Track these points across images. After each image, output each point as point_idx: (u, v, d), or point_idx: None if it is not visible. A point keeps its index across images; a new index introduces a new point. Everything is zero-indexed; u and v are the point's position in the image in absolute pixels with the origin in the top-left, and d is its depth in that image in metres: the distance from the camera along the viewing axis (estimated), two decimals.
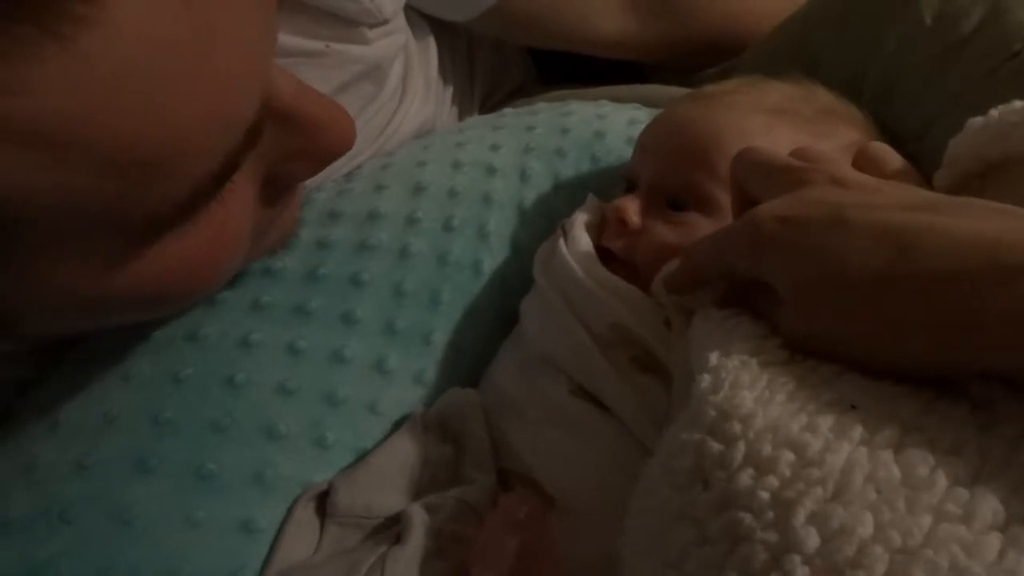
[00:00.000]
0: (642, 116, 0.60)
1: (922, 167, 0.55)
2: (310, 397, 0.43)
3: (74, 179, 0.26)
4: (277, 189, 0.37)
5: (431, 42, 0.62)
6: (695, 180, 0.45)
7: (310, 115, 0.35)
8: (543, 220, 0.54)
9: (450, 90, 0.66)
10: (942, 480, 0.23)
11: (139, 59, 0.25)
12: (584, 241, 0.46)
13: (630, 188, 0.48)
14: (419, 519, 0.38)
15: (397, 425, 0.45)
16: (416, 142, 0.57)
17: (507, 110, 0.62)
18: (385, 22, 0.52)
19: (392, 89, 0.56)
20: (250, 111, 0.30)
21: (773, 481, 0.24)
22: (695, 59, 0.71)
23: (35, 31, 0.23)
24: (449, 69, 0.65)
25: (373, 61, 0.52)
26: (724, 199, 0.44)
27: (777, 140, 0.45)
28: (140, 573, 0.36)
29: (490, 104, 0.74)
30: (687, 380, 0.34)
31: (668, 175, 0.46)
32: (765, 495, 0.24)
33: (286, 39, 0.47)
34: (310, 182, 0.43)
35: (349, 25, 0.49)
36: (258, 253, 0.44)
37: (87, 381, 0.42)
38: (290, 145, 0.35)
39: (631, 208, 0.45)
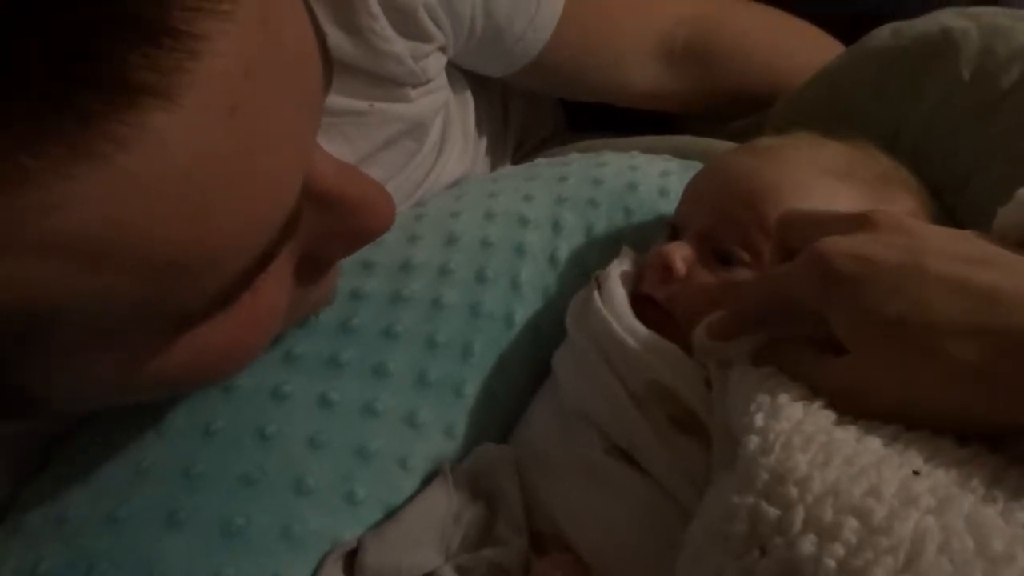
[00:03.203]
0: (674, 167, 0.60)
1: (961, 220, 0.55)
2: (341, 451, 0.43)
3: (112, 284, 0.25)
4: (314, 267, 0.37)
5: (469, 97, 0.63)
6: (748, 235, 0.44)
7: (350, 197, 0.34)
8: (576, 271, 0.53)
9: (484, 143, 0.66)
10: (1021, 555, 0.22)
11: (182, 172, 0.25)
12: (620, 294, 0.45)
13: (673, 237, 0.47)
14: None
15: (427, 480, 0.44)
16: (449, 192, 0.57)
17: (540, 160, 0.62)
18: (429, 82, 0.52)
19: (431, 145, 0.56)
20: (291, 206, 0.30)
21: (839, 549, 0.23)
22: (726, 110, 0.71)
23: (72, 153, 0.22)
24: (485, 121, 0.66)
25: (415, 119, 0.53)
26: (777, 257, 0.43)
27: (836, 203, 0.44)
28: None
29: (522, 152, 0.74)
30: (728, 439, 0.33)
31: (720, 227, 0.45)
32: (831, 563, 0.23)
33: (332, 99, 0.47)
34: None
35: (394, 85, 0.50)
36: (294, 323, 0.43)
37: (120, 433, 0.41)
38: (328, 226, 0.34)
39: (678, 255, 0.44)
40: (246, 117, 0.26)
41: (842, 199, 0.44)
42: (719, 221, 0.45)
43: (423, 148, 0.55)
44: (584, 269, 0.53)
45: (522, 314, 0.51)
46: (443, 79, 0.55)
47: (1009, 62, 0.53)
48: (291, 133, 0.28)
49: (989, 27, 0.55)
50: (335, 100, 0.47)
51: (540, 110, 0.77)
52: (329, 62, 0.31)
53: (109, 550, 0.37)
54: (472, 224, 0.53)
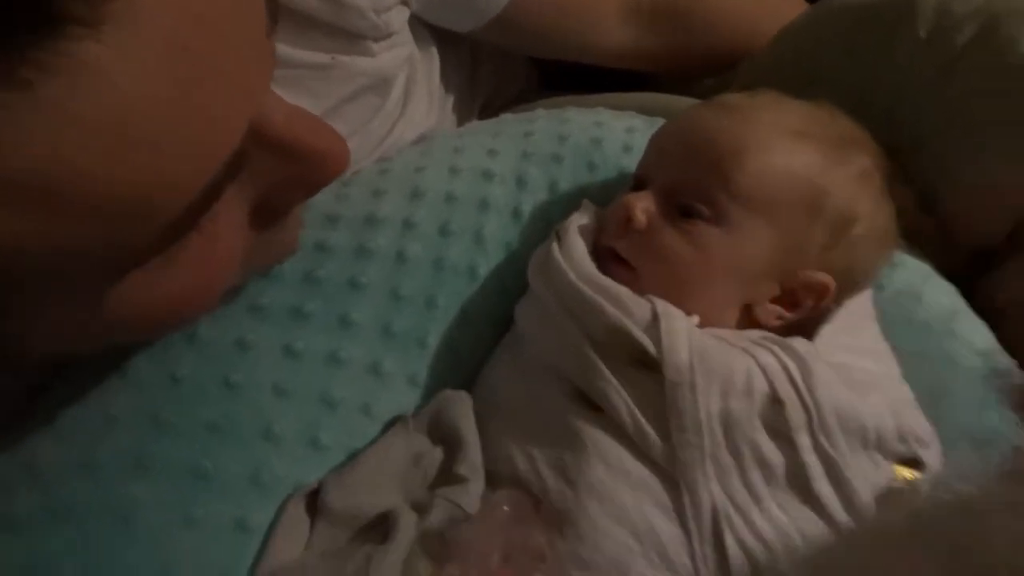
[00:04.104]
0: (639, 124, 0.61)
1: (917, 179, 0.56)
2: (306, 399, 0.44)
3: (54, 223, 0.25)
4: (270, 214, 0.37)
5: (434, 52, 0.63)
6: (711, 191, 0.45)
7: (302, 142, 0.34)
8: (540, 226, 0.54)
9: (450, 99, 0.66)
10: None
11: (118, 107, 0.25)
12: (578, 244, 0.46)
13: (636, 188, 0.48)
14: (406, 519, 0.39)
15: (390, 427, 0.46)
16: (414, 147, 0.58)
17: (506, 116, 0.62)
18: (391, 35, 0.52)
19: (395, 101, 0.56)
20: (234, 147, 0.30)
21: None
22: (695, 70, 0.72)
23: None
24: (451, 78, 0.66)
25: (378, 73, 0.53)
26: (736, 213, 0.44)
27: (795, 159, 0.45)
28: (137, 569, 0.36)
29: (490, 110, 0.74)
30: None
31: (683, 182, 0.46)
32: None
33: (292, 52, 0.47)
34: None
35: (356, 39, 0.50)
36: (259, 270, 0.44)
37: (88, 383, 0.42)
38: (282, 172, 0.34)
39: (639, 206, 0.45)
40: (184, 53, 0.26)
41: (799, 156, 0.45)
42: (683, 176, 0.46)
43: (387, 104, 0.55)
44: (548, 224, 0.54)
45: (486, 268, 0.52)
46: (407, 33, 0.55)
47: (963, 21, 0.54)
48: (232, 72, 0.28)
49: None
50: (297, 53, 0.47)
51: (510, 69, 0.77)
52: (274, 3, 0.31)
53: (80, 495, 0.38)
54: (437, 179, 0.53)
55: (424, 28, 0.61)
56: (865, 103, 0.56)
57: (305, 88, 0.49)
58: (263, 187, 0.35)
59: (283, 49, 0.47)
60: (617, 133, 0.59)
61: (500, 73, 0.75)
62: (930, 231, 0.57)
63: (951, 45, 0.54)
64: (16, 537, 0.37)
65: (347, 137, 0.51)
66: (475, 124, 0.63)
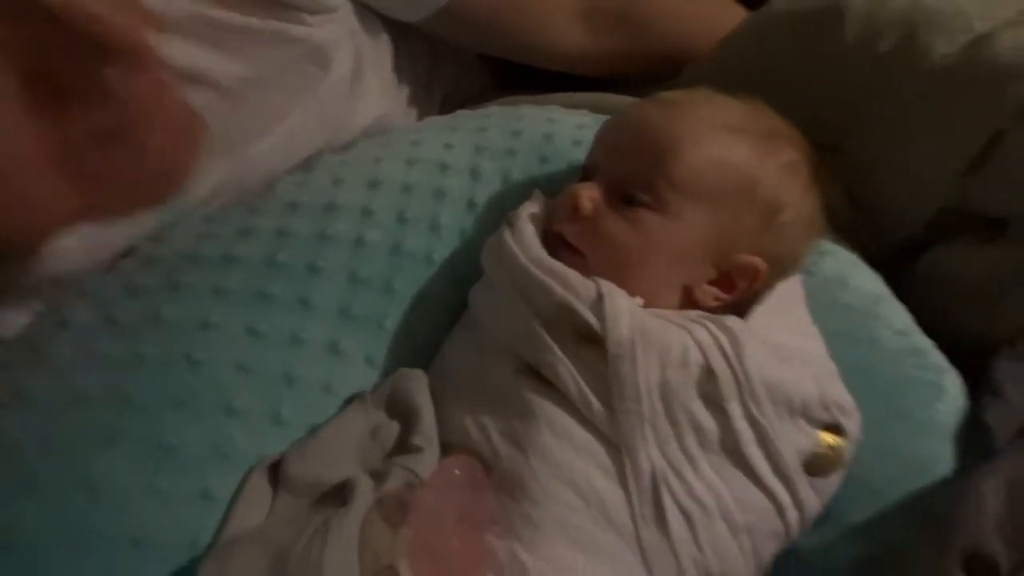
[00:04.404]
0: (589, 121, 0.64)
1: (845, 175, 0.60)
2: (268, 376, 0.46)
3: None
4: (53, 91, 0.36)
5: (386, 40, 0.65)
6: (652, 180, 0.48)
7: (73, 7, 0.34)
8: (493, 215, 0.57)
9: (406, 90, 0.68)
10: None
11: None
12: (528, 230, 0.49)
13: (584, 179, 0.51)
14: (364, 485, 0.41)
15: (349, 404, 0.48)
16: (373, 139, 0.60)
17: (462, 112, 0.65)
18: (329, 12, 0.54)
19: (340, 77, 0.58)
20: None
21: None
22: (640, 74, 0.75)
23: None
24: (407, 70, 0.68)
25: (313, 44, 0.54)
26: (675, 201, 0.48)
27: (728, 152, 0.49)
28: (105, 537, 0.38)
29: (450, 107, 0.76)
30: None
31: (627, 172, 0.49)
32: None
33: (224, 14, 0.49)
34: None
35: (288, 8, 0.52)
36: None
37: (53, 360, 0.44)
38: (52, 40, 0.34)
39: (585, 195, 0.48)
40: None
41: (732, 149, 0.48)
42: (626, 167, 0.49)
43: (329, 76, 0.57)
44: (501, 213, 0.56)
45: (441, 254, 0.54)
46: (347, 12, 0.57)
47: (887, 28, 0.58)
48: None
49: None
50: (227, 15, 0.48)
51: (469, 67, 0.79)
52: None
53: (47, 466, 0.39)
54: (394, 169, 0.56)
55: (375, 16, 0.63)
56: (799, 104, 0.60)
57: (235, 49, 0.51)
58: (31, 57, 0.34)
59: (214, 11, 0.49)
60: (568, 129, 0.62)
61: (460, 70, 0.77)
62: (857, 223, 0.61)
63: (875, 51, 0.58)
64: None
65: (291, 107, 0.53)
66: (432, 119, 0.66)
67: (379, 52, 0.64)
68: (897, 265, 0.61)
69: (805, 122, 0.57)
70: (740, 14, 0.72)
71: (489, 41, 0.69)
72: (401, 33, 0.66)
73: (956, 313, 0.58)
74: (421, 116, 0.70)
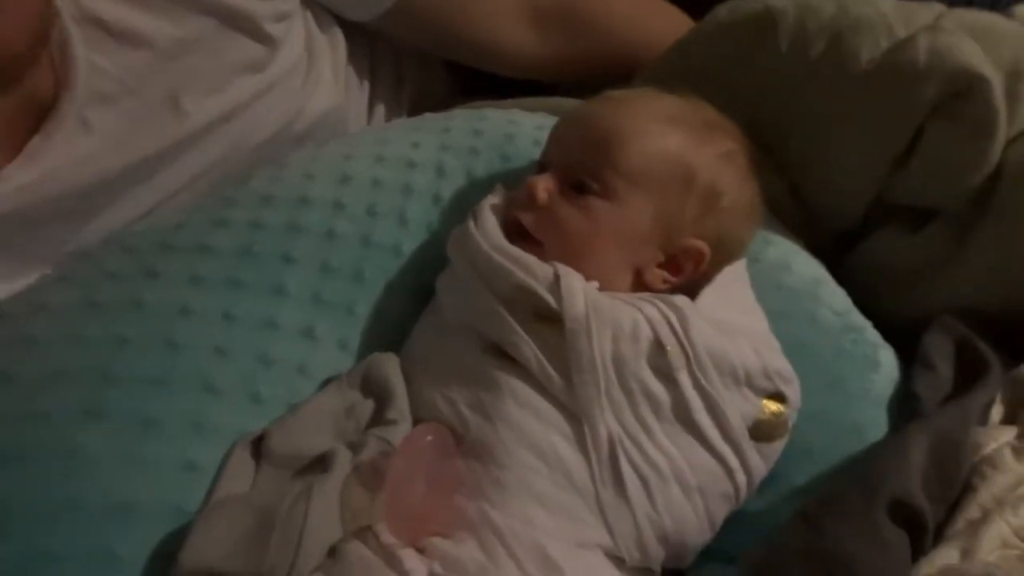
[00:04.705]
0: (548, 123, 0.66)
1: (785, 171, 0.64)
2: (245, 357, 0.49)
3: None
4: None
5: (338, 35, 0.68)
6: (599, 169, 0.52)
7: None
8: (458, 209, 0.60)
9: (367, 87, 0.71)
10: None
11: None
12: (490, 219, 0.52)
13: (540, 172, 0.55)
14: (342, 455, 0.44)
15: (325, 385, 0.51)
16: (343, 139, 0.63)
17: (427, 114, 0.68)
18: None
19: (289, 63, 0.61)
20: None
21: None
22: (591, 79, 0.78)
23: None
24: (366, 67, 0.71)
25: (241, 12, 0.57)
26: (622, 187, 0.51)
27: (667, 142, 0.52)
28: (92, 506, 0.40)
29: (416, 113, 0.79)
30: None
31: (576, 163, 0.53)
32: None
33: None
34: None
35: None
36: None
37: (35, 342, 0.46)
38: None
39: (541, 185, 0.52)
40: None
41: (672, 139, 0.52)
42: (576, 158, 0.53)
43: (275, 59, 0.60)
44: (465, 208, 0.59)
45: (409, 245, 0.57)
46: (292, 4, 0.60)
47: (816, 35, 0.62)
48: None
49: (803, 4, 0.64)
50: None
51: (435, 73, 0.82)
52: None
53: (32, 440, 0.41)
54: (364, 166, 0.59)
55: (327, 13, 0.66)
56: (740, 105, 0.64)
57: (160, 11, 0.53)
58: None
59: None
60: (528, 130, 0.66)
61: (426, 74, 0.80)
62: (798, 216, 0.65)
63: (806, 56, 0.63)
64: None
65: (228, 75, 0.57)
66: (398, 121, 0.69)
67: (330, 47, 0.67)
68: (836, 254, 0.65)
69: (746, 122, 0.60)
70: (687, 23, 0.76)
71: (439, 42, 0.72)
72: (358, 31, 0.68)
73: (891, 295, 0.62)
74: (389, 118, 0.73)
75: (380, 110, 0.73)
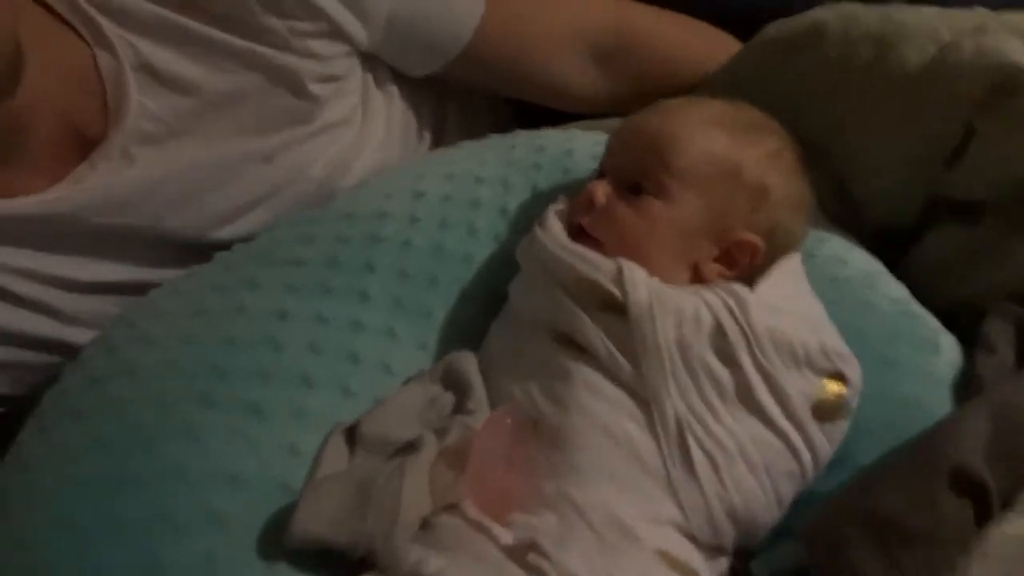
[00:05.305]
0: (605, 139, 0.70)
1: (835, 174, 0.66)
2: (336, 355, 0.54)
3: None
4: None
5: (394, 93, 0.72)
6: (653, 171, 0.55)
7: None
8: (523, 220, 0.64)
9: (413, 139, 0.75)
10: None
11: None
12: (555, 224, 0.56)
13: (599, 177, 0.59)
14: (429, 439, 0.47)
15: (407, 382, 0.55)
16: (413, 161, 0.68)
17: (492, 135, 0.73)
18: (311, 56, 0.60)
19: (336, 114, 0.64)
20: None
21: None
22: None
23: None
24: (412, 122, 0.74)
25: (282, 68, 0.60)
26: (674, 187, 0.55)
27: (714, 143, 0.56)
28: (205, 474, 0.45)
29: None
30: None
31: (630, 167, 0.56)
32: None
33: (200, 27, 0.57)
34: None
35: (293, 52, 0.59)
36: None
37: (154, 342, 0.52)
38: None
39: (599, 190, 0.56)
40: None
41: (718, 140, 0.56)
42: (631, 162, 0.57)
43: (320, 114, 0.63)
44: (530, 219, 0.63)
45: (479, 254, 0.62)
46: (341, 65, 0.64)
47: (863, 43, 0.65)
48: None
49: (848, 16, 0.67)
50: (205, 29, 0.56)
51: (479, 115, 0.84)
52: None
53: (156, 421, 0.47)
54: (435, 183, 0.64)
55: (385, 72, 0.69)
56: (790, 114, 0.66)
57: (212, 63, 0.58)
58: None
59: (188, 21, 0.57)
60: (587, 145, 0.70)
61: (468, 119, 0.82)
62: (848, 220, 0.67)
63: (854, 63, 0.65)
64: (97, 456, 0.46)
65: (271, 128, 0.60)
66: (466, 142, 0.73)
67: (385, 104, 0.70)
68: (890, 257, 0.67)
69: (795, 129, 0.62)
70: (735, 44, 0.78)
71: (505, 82, 0.75)
72: (409, 86, 0.72)
73: (948, 289, 0.63)
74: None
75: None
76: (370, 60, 0.68)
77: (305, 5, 0.59)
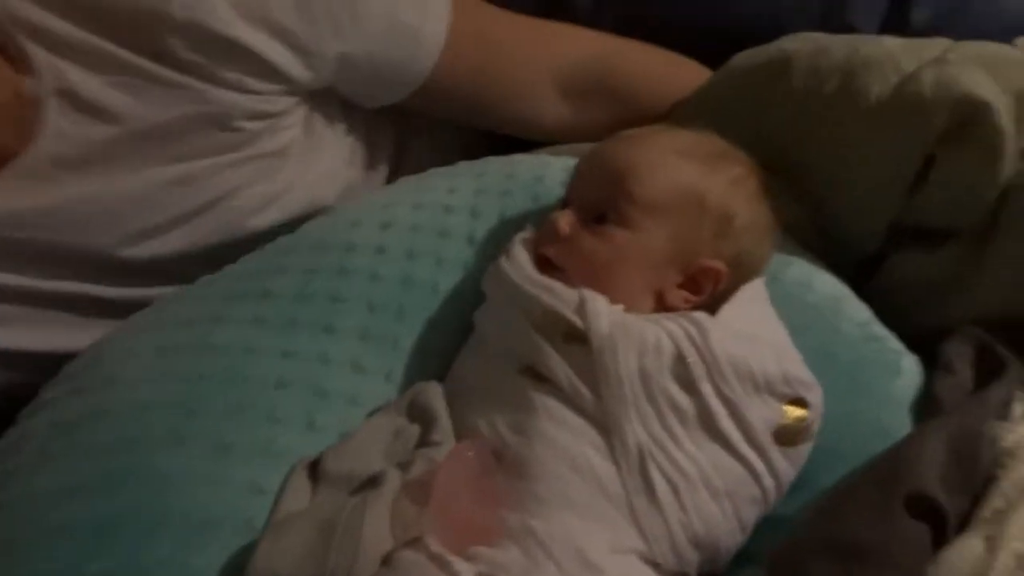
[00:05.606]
0: (575, 164, 0.72)
1: (805, 200, 0.67)
2: (302, 390, 0.54)
3: None
4: None
5: (349, 118, 0.71)
6: (616, 201, 0.56)
7: None
8: (491, 248, 0.64)
9: (376, 157, 0.75)
10: None
11: None
12: (521, 253, 0.57)
13: (564, 206, 0.59)
14: (392, 474, 0.48)
15: (373, 414, 0.55)
16: (383, 188, 0.69)
17: (462, 162, 0.73)
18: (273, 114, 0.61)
19: (269, 146, 0.64)
20: None
21: None
22: None
23: None
24: (367, 151, 0.74)
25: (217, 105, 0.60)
26: (638, 216, 0.55)
27: (678, 172, 0.57)
28: (176, 519, 0.45)
29: None
30: None
31: (595, 196, 0.57)
32: None
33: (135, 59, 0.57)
34: None
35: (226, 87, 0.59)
36: None
37: (123, 382, 0.52)
38: None
39: (563, 219, 0.56)
40: None
41: (681, 169, 0.57)
42: (595, 192, 0.57)
43: (252, 143, 0.62)
44: (498, 247, 0.63)
45: (446, 284, 0.62)
46: (278, 102, 0.63)
47: (829, 74, 0.66)
48: None
49: (814, 48, 0.68)
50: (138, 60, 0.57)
51: (449, 139, 0.82)
52: None
53: (126, 464, 0.47)
54: (403, 213, 0.64)
55: (334, 102, 0.68)
56: (756, 141, 0.67)
57: (143, 94, 0.58)
58: None
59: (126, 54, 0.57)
60: (556, 171, 0.70)
61: (437, 144, 0.81)
62: (819, 243, 0.68)
63: (820, 93, 0.66)
64: (74, 499, 0.46)
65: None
66: (434, 169, 0.74)
67: (340, 133, 0.70)
68: (858, 281, 0.67)
69: (765, 157, 0.63)
70: (708, 75, 0.79)
71: (468, 113, 0.75)
72: (369, 112, 0.72)
73: (913, 313, 0.64)
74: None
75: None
76: (320, 93, 0.68)
77: (232, 47, 0.59)
